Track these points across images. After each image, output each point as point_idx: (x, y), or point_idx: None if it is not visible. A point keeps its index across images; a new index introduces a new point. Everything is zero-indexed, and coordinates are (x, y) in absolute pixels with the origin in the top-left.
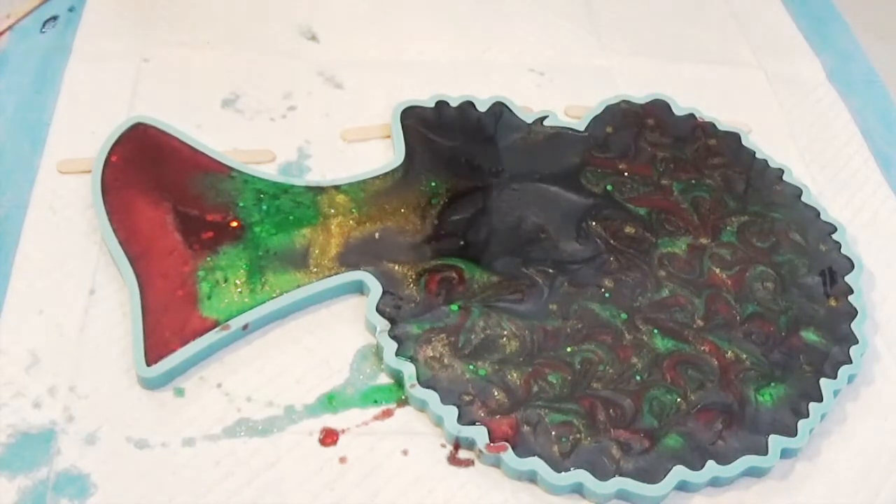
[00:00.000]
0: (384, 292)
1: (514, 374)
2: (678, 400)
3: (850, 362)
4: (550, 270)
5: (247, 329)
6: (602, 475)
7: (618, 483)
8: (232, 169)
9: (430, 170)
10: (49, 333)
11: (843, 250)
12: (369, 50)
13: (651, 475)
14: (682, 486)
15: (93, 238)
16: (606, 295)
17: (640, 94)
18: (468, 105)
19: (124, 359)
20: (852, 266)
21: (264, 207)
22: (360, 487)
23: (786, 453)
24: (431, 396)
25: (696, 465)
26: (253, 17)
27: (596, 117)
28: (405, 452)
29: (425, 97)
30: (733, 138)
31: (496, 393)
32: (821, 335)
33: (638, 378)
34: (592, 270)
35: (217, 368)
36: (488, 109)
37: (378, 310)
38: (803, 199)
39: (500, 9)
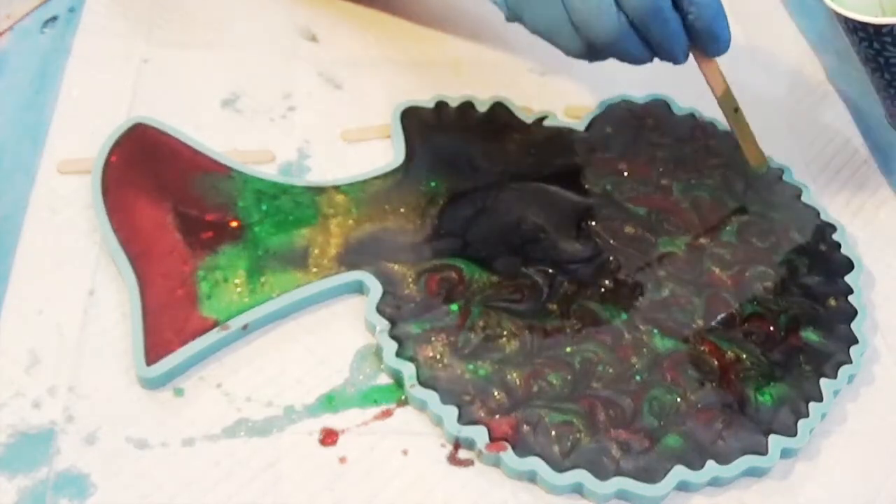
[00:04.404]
0: (384, 292)
1: (514, 374)
2: (678, 400)
3: (850, 362)
4: (550, 270)
5: (246, 329)
6: (602, 475)
7: (618, 483)
8: (232, 169)
9: (430, 170)
10: (49, 333)
11: (843, 250)
12: (369, 50)
13: (651, 475)
14: (682, 486)
15: (93, 238)
16: (606, 295)
17: (640, 94)
18: (468, 105)
19: (124, 359)
20: (852, 266)
21: (264, 207)
22: (360, 487)
23: (786, 453)
24: (431, 396)
25: (696, 465)
26: (253, 17)
27: (596, 117)
28: (405, 452)
29: (425, 97)
30: (733, 138)
31: (496, 393)
32: (821, 335)
33: (638, 378)
34: (592, 270)
35: (217, 368)
36: (488, 109)
37: (378, 310)
38: (803, 199)
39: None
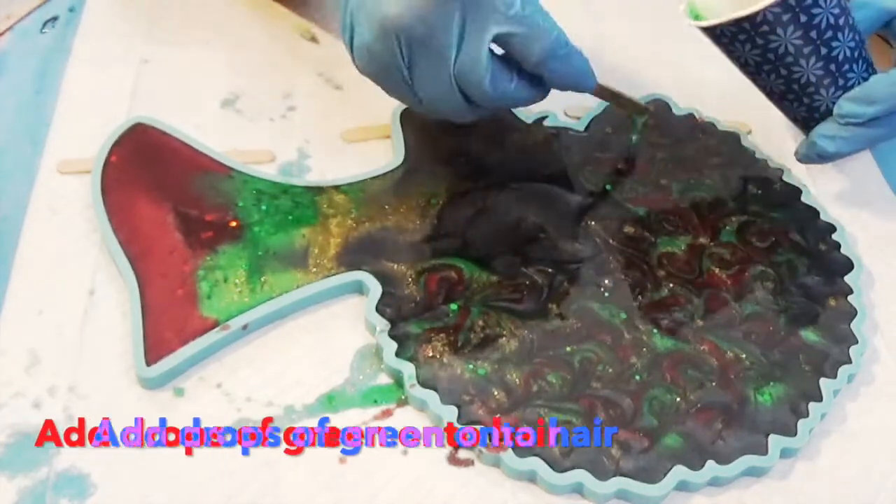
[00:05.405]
0: (384, 292)
1: (514, 374)
2: (678, 399)
3: (850, 362)
4: (550, 270)
5: (246, 329)
6: (602, 475)
7: (617, 483)
8: (231, 169)
9: (430, 170)
10: (49, 333)
11: (843, 250)
12: None
13: (651, 475)
14: (682, 486)
15: (93, 238)
16: (606, 295)
17: (640, 94)
18: None
19: (124, 359)
20: (852, 266)
21: (264, 207)
22: (360, 487)
23: (786, 453)
24: (431, 396)
25: (695, 465)
26: (253, 17)
27: (596, 117)
28: (405, 452)
29: None
30: (733, 138)
31: (496, 392)
32: (821, 335)
33: (637, 378)
34: (592, 270)
35: (217, 368)
36: None
37: (378, 310)
38: (803, 199)
39: None
